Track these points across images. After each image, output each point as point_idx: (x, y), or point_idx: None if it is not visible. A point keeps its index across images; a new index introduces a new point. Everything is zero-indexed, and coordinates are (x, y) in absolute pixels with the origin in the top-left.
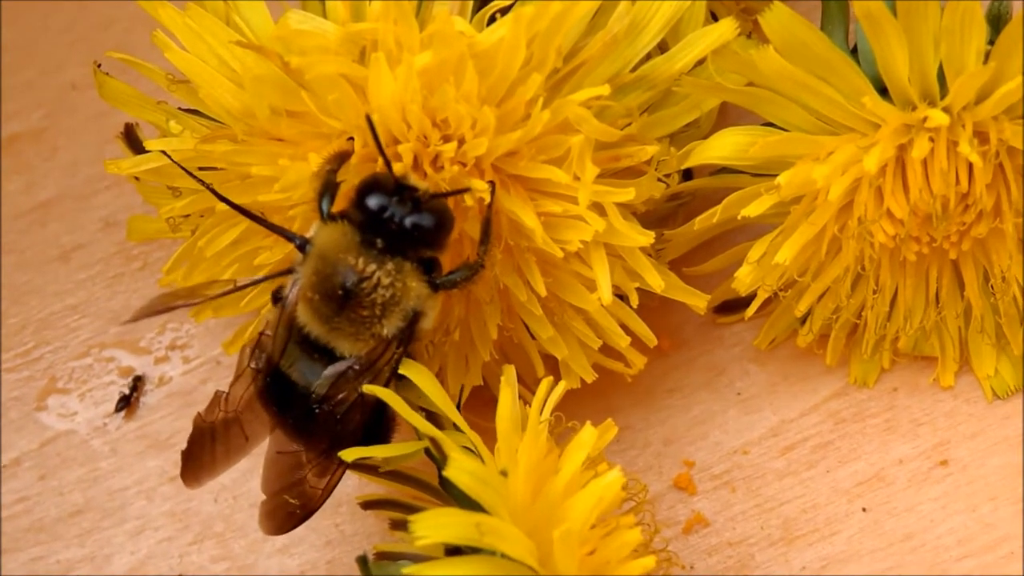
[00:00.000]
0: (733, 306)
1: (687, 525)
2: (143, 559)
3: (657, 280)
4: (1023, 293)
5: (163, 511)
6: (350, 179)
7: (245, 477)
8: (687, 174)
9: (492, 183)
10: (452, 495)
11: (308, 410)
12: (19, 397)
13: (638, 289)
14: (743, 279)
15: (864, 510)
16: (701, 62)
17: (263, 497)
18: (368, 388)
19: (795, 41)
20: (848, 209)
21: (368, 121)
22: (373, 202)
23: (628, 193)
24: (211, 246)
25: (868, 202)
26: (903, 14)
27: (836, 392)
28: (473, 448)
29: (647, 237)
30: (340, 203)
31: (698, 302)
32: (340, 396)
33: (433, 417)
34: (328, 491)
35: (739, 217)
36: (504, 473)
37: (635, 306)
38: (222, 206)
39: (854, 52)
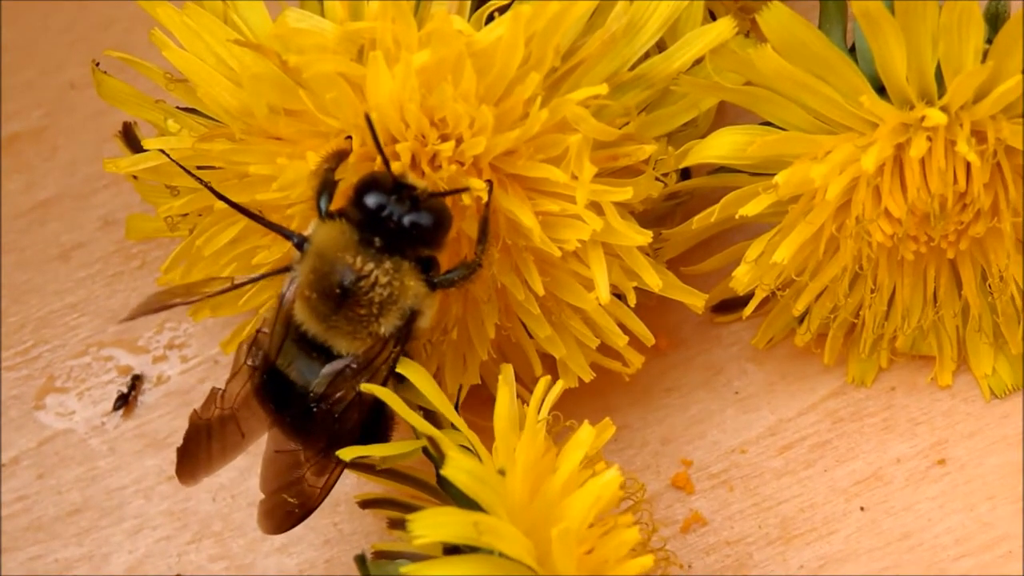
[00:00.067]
0: (731, 305)
1: (685, 524)
2: (141, 558)
3: (655, 279)
4: (1021, 292)
5: (161, 510)
6: (348, 178)
7: (243, 476)
8: (685, 173)
9: (490, 182)
10: (450, 494)
11: (306, 409)
12: (18, 396)
13: (636, 288)
14: (741, 278)
15: (862, 509)
16: (699, 61)
17: (261, 496)
18: (366, 387)
19: (793, 40)
20: (846, 208)
21: (367, 120)
22: (371, 201)
23: (626, 192)
24: (209, 245)
25: (866, 201)
26: (901, 13)
27: (834, 391)
28: (471, 447)
29: (645, 236)
30: (338, 201)
31: (696, 301)
32: (338, 395)
33: (431, 416)
34: (326, 490)
35: (737, 216)
36: (502, 472)
37: (633, 305)
38: (220, 205)
39: (852, 51)
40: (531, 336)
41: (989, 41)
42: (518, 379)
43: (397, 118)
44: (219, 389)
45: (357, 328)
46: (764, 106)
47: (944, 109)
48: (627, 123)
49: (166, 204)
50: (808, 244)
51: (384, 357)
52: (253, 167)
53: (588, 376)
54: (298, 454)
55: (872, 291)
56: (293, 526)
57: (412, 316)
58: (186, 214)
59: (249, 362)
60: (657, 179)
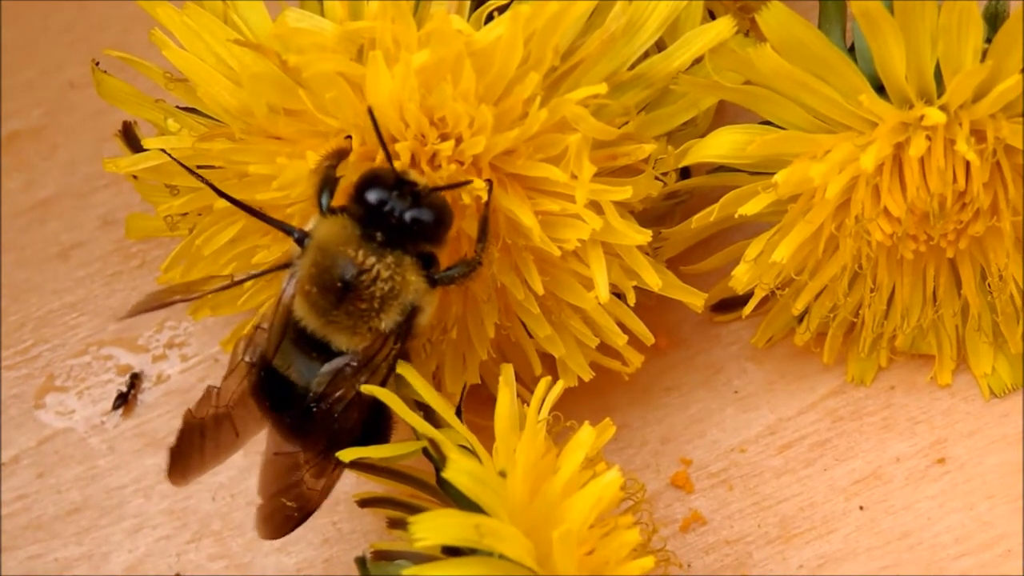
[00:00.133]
0: (730, 304)
1: (684, 523)
2: (141, 557)
3: (654, 278)
4: (1020, 292)
5: (161, 509)
6: (348, 176)
7: (243, 475)
8: (684, 172)
9: (490, 181)
10: (450, 495)
11: (305, 409)
12: (18, 395)
13: (635, 287)
14: (740, 277)
15: (861, 508)
16: (699, 60)
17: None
18: (366, 388)
19: (792, 39)
20: (845, 207)
21: (370, 114)
22: (373, 196)
23: (625, 191)
24: (209, 244)
25: (865, 200)
26: (900, 13)
27: (833, 390)
28: (470, 447)
29: (644, 235)
30: (339, 199)
31: (695, 300)
32: (338, 393)
33: (431, 416)
34: (326, 492)
35: (736, 215)
36: (503, 474)
37: (632, 304)
38: (220, 204)
39: (851, 51)
40: (531, 335)
41: (988, 40)
42: (518, 379)
43: (396, 118)
44: (215, 387)
45: (357, 323)
46: (763, 105)
47: (943, 108)
48: (626, 122)
49: (166, 203)
50: (807, 243)
51: (384, 354)
52: (253, 166)
53: (588, 375)
54: (297, 456)
55: (871, 290)
56: (291, 530)
57: (412, 312)
58: (186, 213)
59: (246, 359)
60: (656, 178)
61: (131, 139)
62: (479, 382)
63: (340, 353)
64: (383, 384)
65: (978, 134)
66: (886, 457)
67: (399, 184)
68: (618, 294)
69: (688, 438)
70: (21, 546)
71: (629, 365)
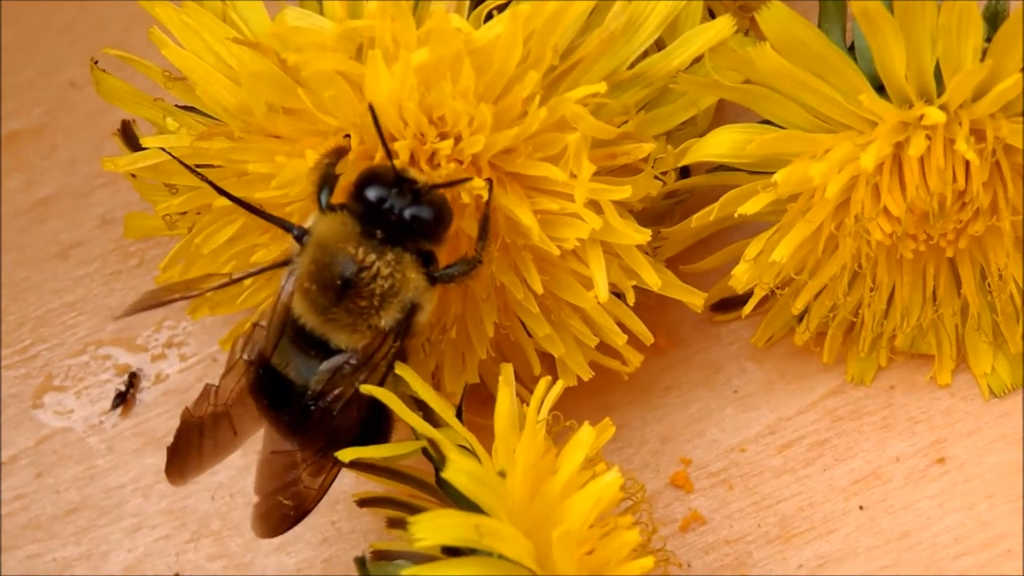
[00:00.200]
0: (730, 304)
1: (684, 523)
2: (140, 557)
3: (654, 278)
4: (1020, 291)
5: (160, 509)
6: (347, 174)
7: (242, 475)
8: (684, 172)
9: (490, 180)
10: (449, 495)
11: (303, 407)
12: (16, 394)
13: (635, 287)
14: (740, 277)
15: (861, 508)
16: (698, 59)
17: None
18: (365, 388)
19: (792, 39)
20: (845, 207)
21: (371, 111)
22: (373, 193)
23: (625, 191)
24: (208, 243)
25: (865, 200)
26: (900, 12)
27: (833, 390)
28: (469, 447)
29: (644, 235)
30: (338, 197)
31: (695, 300)
32: (336, 391)
33: (430, 415)
34: (323, 491)
35: (736, 215)
36: (502, 474)
37: (632, 304)
38: (219, 203)
39: (851, 50)
40: (530, 335)
41: (988, 40)
42: (517, 378)
43: (396, 116)
44: (213, 386)
45: (357, 321)
46: (763, 104)
47: (943, 108)
48: (626, 121)
49: (164, 202)
50: (807, 242)
51: (384, 352)
52: (252, 165)
53: (587, 375)
54: (294, 454)
55: (871, 290)
56: (288, 529)
57: (412, 310)
58: (184, 212)
59: (245, 356)
60: (656, 177)
61: (130, 138)
62: (478, 381)
63: (339, 351)
64: (382, 382)
65: (978, 133)
66: (886, 457)
67: (399, 181)
68: (617, 293)
69: (688, 438)
70: (20, 546)
71: (628, 364)
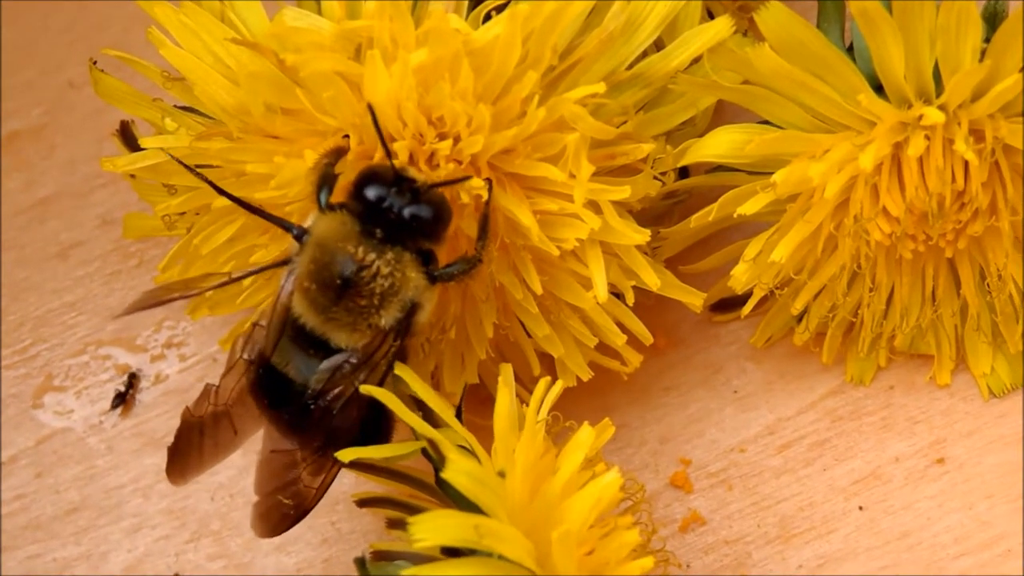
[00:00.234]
0: (729, 304)
1: (683, 523)
2: (140, 557)
3: (653, 278)
4: (1019, 291)
5: (159, 509)
6: (346, 174)
7: (242, 475)
8: (683, 172)
9: (489, 180)
10: (449, 495)
11: (303, 407)
12: (16, 394)
13: (634, 287)
14: (739, 277)
15: (860, 508)
16: (697, 60)
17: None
18: (365, 388)
19: (791, 39)
20: (844, 207)
21: (370, 110)
22: (372, 192)
23: (624, 191)
24: (207, 243)
25: (864, 200)
26: (899, 12)
27: (832, 390)
28: (469, 447)
29: (643, 235)
30: (337, 197)
31: (694, 300)
32: (336, 391)
33: (430, 416)
34: (322, 491)
35: (735, 215)
36: (502, 474)
37: (631, 304)
38: (218, 203)
39: (850, 50)
40: (529, 335)
41: (987, 40)
42: (516, 379)
43: (395, 117)
44: (213, 385)
45: (357, 320)
46: (762, 105)
47: (942, 108)
48: (625, 122)
49: (163, 203)
50: (806, 243)
51: (384, 351)
52: (250, 165)
53: (586, 375)
54: (294, 454)
55: (870, 290)
56: (288, 528)
57: (412, 309)
58: (183, 212)
59: (245, 356)
60: (655, 178)
61: (129, 138)
62: (478, 382)
63: (339, 350)
64: (382, 382)
65: (977, 134)
66: (885, 457)
67: (398, 180)
68: (617, 294)
69: (687, 438)
70: (20, 546)
71: (628, 365)
